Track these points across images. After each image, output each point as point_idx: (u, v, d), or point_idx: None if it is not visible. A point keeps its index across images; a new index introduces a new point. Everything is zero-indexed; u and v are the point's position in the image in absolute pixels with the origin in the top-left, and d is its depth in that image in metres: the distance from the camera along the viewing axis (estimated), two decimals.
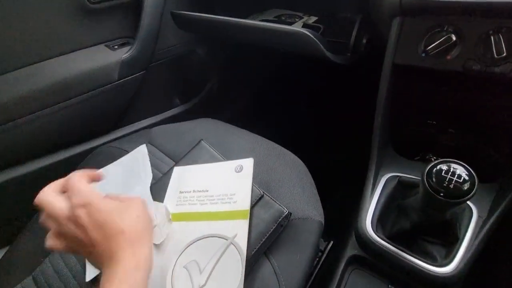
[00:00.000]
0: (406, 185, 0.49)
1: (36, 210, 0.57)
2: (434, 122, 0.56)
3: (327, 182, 0.65)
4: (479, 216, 0.43)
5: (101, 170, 0.55)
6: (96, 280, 0.41)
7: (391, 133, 0.56)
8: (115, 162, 0.54)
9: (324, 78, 0.85)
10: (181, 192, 0.45)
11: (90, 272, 0.41)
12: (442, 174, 0.32)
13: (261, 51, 0.88)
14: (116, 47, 0.70)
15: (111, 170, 0.54)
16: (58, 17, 0.61)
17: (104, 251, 0.28)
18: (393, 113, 0.53)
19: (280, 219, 0.39)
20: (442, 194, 0.31)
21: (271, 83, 0.99)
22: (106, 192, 0.51)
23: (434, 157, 0.57)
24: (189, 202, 0.43)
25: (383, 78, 0.50)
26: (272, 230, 0.38)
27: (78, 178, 0.32)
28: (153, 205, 0.44)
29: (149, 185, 0.48)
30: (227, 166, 0.45)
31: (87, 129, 0.68)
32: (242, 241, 0.36)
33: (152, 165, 0.55)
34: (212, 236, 0.37)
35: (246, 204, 0.39)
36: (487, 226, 0.42)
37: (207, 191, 0.43)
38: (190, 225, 0.41)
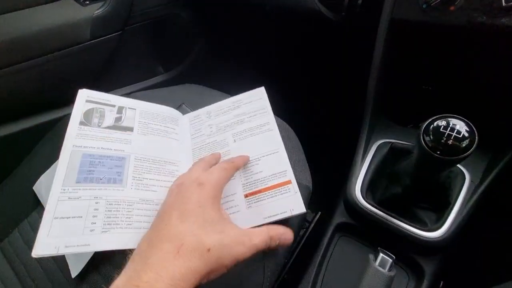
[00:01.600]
0: (398, 151, 0.47)
1: (2, 179, 0.53)
2: (429, 88, 0.54)
3: (316, 152, 0.63)
4: (471, 181, 0.41)
5: None
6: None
7: (384, 99, 0.53)
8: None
9: (316, 42, 0.80)
10: None
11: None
12: (440, 130, 0.29)
13: (250, 14, 0.82)
14: (87, 2, 0.63)
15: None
16: None
17: None
18: (387, 78, 0.50)
19: None
20: (439, 152, 0.29)
21: (261, 49, 0.93)
22: None
23: None
24: None
25: (379, 36, 0.46)
26: None
27: None
28: None
29: None
30: None
31: (57, 93, 0.62)
32: None
33: None
34: None
35: None
36: (479, 191, 0.41)
37: None
38: None
